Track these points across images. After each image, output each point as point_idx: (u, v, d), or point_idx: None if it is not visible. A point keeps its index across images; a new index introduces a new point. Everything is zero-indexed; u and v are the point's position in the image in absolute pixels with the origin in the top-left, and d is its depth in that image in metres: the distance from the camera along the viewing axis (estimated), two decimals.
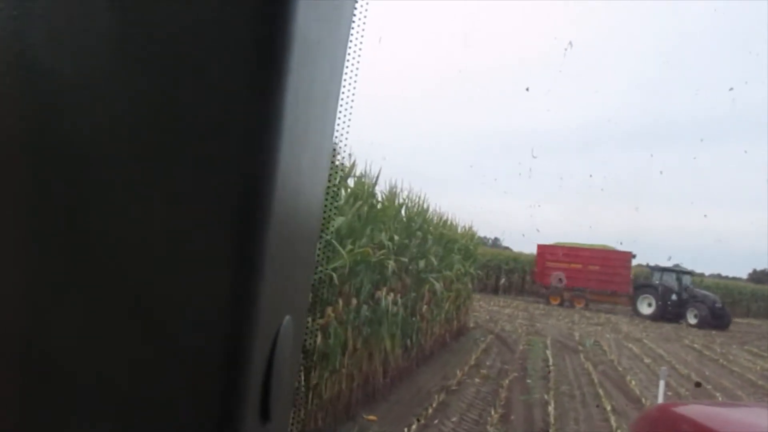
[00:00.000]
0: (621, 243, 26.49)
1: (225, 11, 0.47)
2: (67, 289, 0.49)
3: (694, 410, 2.84)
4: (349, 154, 6.01)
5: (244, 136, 0.47)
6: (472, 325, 15.44)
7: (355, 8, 0.68)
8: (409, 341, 8.63)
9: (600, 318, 22.88)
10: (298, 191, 0.57)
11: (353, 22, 0.68)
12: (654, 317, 23.90)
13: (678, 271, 25.09)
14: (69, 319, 0.49)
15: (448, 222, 12.03)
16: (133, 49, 0.48)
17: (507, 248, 33.96)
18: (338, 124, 0.70)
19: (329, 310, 5.56)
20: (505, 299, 27.20)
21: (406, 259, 8.06)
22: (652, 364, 12.17)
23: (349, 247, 5.89)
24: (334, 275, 5.34)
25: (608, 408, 8.11)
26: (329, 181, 0.72)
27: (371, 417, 6.59)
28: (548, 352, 12.60)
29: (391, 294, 7.42)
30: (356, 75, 0.70)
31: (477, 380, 9.25)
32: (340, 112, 0.70)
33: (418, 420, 6.68)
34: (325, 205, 0.73)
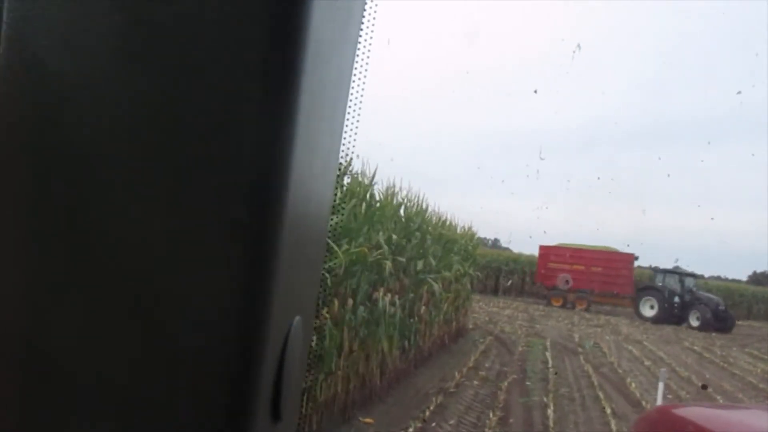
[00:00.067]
0: (628, 245, 26.48)
1: (236, 11, 0.47)
2: (67, 289, 0.49)
3: (694, 412, 2.89)
4: (346, 153, 5.91)
5: (257, 137, 0.48)
6: (471, 326, 15.42)
7: (365, 9, 0.68)
8: (406, 343, 8.59)
9: (600, 320, 22.82)
10: (310, 192, 0.57)
11: (362, 22, 0.69)
12: (656, 320, 23.86)
13: (681, 273, 25.10)
14: (69, 319, 0.49)
15: (448, 222, 11.98)
16: (138, 49, 0.48)
17: (507, 249, 33.92)
18: (347, 126, 0.71)
19: (324, 311, 5.47)
20: (504, 300, 27.21)
21: (404, 260, 8.00)
22: (652, 367, 12.09)
23: (345, 246, 5.80)
24: (328, 276, 5.26)
25: (608, 411, 8.04)
26: (338, 182, 0.73)
27: (368, 420, 6.57)
28: (548, 354, 12.56)
29: (389, 295, 7.38)
30: (365, 76, 0.71)
31: (476, 382, 9.24)
32: (349, 113, 0.70)
33: (416, 423, 6.64)
34: (334, 206, 0.74)
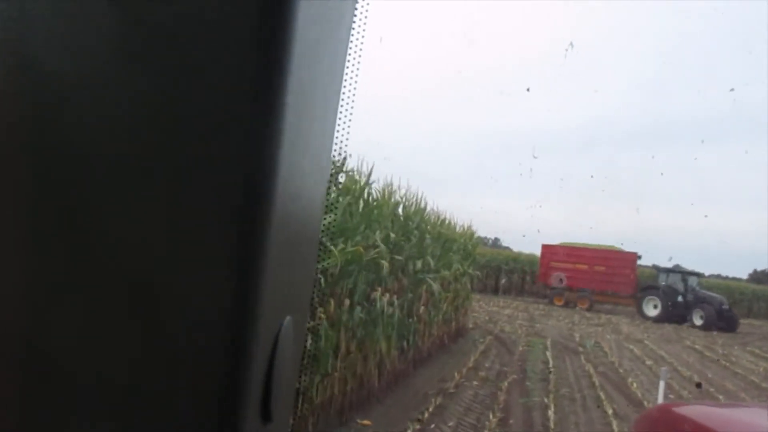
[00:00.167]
0: (622, 244, 26.43)
1: (225, 11, 0.47)
2: (67, 289, 0.50)
3: (695, 410, 2.86)
4: (339, 151, 5.83)
5: (245, 136, 0.48)
6: (471, 326, 15.41)
7: (356, 8, 0.69)
8: (405, 343, 8.55)
9: (601, 319, 22.77)
10: (300, 191, 0.58)
11: (354, 22, 0.69)
12: (659, 319, 23.76)
13: (684, 272, 25.02)
14: (69, 319, 0.50)
15: (447, 221, 11.89)
16: (133, 49, 0.48)
17: (507, 248, 33.87)
18: (339, 125, 0.71)
19: (319, 311, 5.38)
20: (504, 300, 27.20)
21: (402, 259, 7.93)
22: (654, 366, 12.03)
23: (341, 245, 5.71)
24: (321, 276, 5.17)
25: (609, 411, 7.97)
26: (330, 181, 0.74)
27: (366, 422, 6.55)
28: (548, 354, 12.53)
29: (387, 295, 7.31)
30: (357, 75, 0.71)
31: (475, 383, 9.23)
32: (341, 112, 0.71)
33: (414, 424, 6.61)
34: (326, 206, 0.74)
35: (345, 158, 6.31)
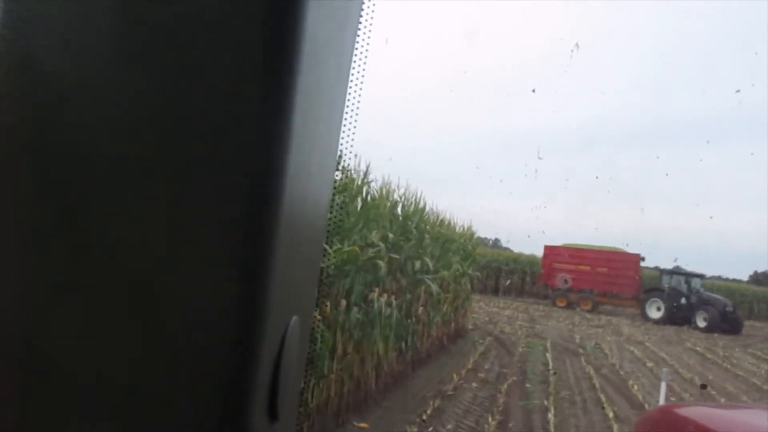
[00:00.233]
0: (627, 245, 26.32)
1: (234, 11, 0.47)
2: (67, 289, 0.50)
3: (696, 412, 2.87)
4: (342, 151, 5.75)
5: (254, 136, 0.48)
6: (470, 326, 15.38)
7: (362, 8, 0.69)
8: (403, 344, 8.49)
9: (601, 320, 22.71)
10: (307, 191, 0.58)
11: (360, 22, 0.70)
12: (662, 321, 23.65)
13: (687, 274, 24.87)
14: (69, 319, 0.50)
15: (447, 222, 11.81)
16: (135, 50, 0.48)
17: (507, 249, 33.78)
18: (345, 126, 0.72)
19: (315, 312, 5.28)
20: (504, 300, 27.17)
21: (401, 259, 7.83)
22: (655, 368, 11.95)
23: (337, 245, 5.61)
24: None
25: (610, 414, 7.90)
26: (335, 181, 0.75)
27: (363, 424, 6.52)
28: (548, 355, 12.42)
29: (385, 295, 7.23)
30: (363, 76, 0.72)
31: (474, 385, 9.20)
32: (347, 113, 0.71)
33: (412, 427, 6.57)
34: (332, 206, 0.75)
35: (341, 155, 6.23)
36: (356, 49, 0.70)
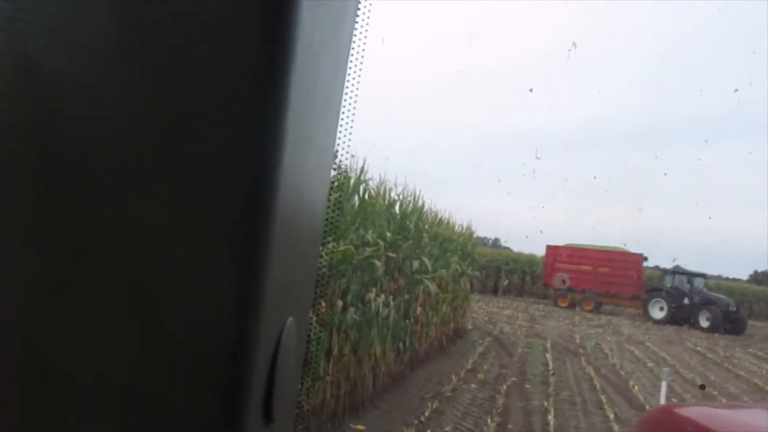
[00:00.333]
0: (625, 244, 26.22)
1: (228, 11, 0.47)
2: (64, 289, 0.50)
3: (697, 411, 2.85)
4: (339, 151, 5.67)
5: (248, 136, 0.48)
6: (469, 327, 15.25)
7: (358, 8, 0.69)
8: (401, 345, 8.37)
9: (601, 320, 22.61)
10: (302, 191, 0.58)
11: (356, 22, 0.69)
12: (665, 321, 23.49)
13: (690, 274, 24.68)
14: (68, 319, 0.50)
15: (446, 221, 11.71)
16: (133, 49, 0.48)
17: (507, 248, 33.71)
18: (341, 125, 0.72)
19: (311, 313, 5.19)
20: (504, 300, 27.10)
21: (398, 258, 7.72)
22: (655, 368, 11.86)
23: (332, 244, 5.51)
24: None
25: (611, 416, 7.81)
26: (332, 181, 0.74)
27: (359, 426, 6.42)
28: (548, 356, 12.31)
29: (382, 295, 7.11)
30: (359, 75, 0.72)
31: (473, 386, 9.07)
32: (343, 112, 0.71)
33: (410, 429, 6.45)
34: (329, 207, 0.75)
35: (336, 153, 6.15)
36: (352, 48, 0.70)
